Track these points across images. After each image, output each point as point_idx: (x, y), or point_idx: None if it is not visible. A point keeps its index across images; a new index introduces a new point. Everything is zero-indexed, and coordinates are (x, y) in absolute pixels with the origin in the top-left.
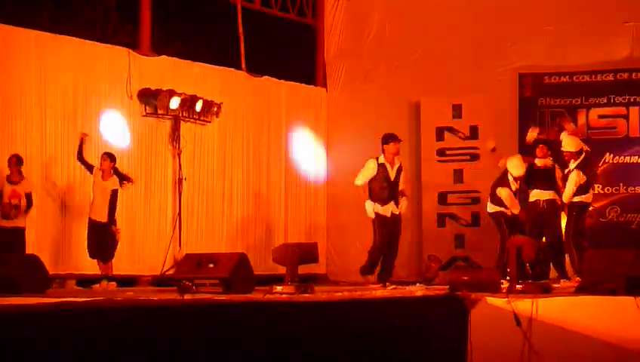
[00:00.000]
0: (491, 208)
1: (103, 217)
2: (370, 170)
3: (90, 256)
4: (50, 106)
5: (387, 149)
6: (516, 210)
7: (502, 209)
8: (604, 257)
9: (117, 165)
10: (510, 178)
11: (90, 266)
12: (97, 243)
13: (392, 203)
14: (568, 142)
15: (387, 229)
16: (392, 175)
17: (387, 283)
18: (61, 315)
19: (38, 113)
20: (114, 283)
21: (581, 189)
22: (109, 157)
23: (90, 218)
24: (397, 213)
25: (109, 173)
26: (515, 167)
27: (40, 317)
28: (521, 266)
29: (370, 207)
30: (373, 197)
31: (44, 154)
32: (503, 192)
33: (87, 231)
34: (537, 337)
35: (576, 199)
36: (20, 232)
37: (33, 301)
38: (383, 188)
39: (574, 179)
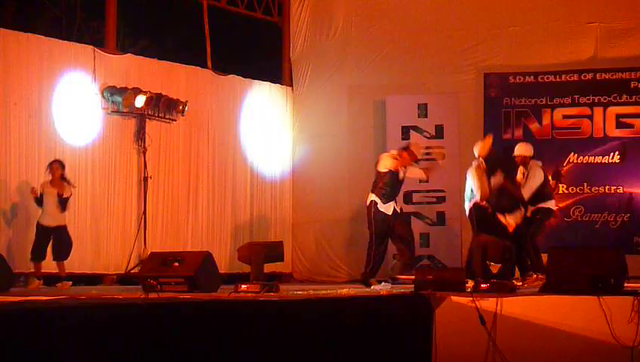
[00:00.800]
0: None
1: (56, 222)
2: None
3: (34, 260)
4: (15, 104)
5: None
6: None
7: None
8: (568, 256)
9: (67, 168)
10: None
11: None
12: (53, 246)
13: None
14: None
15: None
16: (401, 175)
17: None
18: (24, 314)
19: (2, 111)
20: (70, 282)
21: (543, 195)
22: (60, 165)
23: (40, 223)
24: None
25: (58, 180)
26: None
27: (3, 316)
28: (486, 266)
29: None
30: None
31: (8, 152)
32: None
33: (35, 235)
34: (502, 336)
35: (541, 205)
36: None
37: None
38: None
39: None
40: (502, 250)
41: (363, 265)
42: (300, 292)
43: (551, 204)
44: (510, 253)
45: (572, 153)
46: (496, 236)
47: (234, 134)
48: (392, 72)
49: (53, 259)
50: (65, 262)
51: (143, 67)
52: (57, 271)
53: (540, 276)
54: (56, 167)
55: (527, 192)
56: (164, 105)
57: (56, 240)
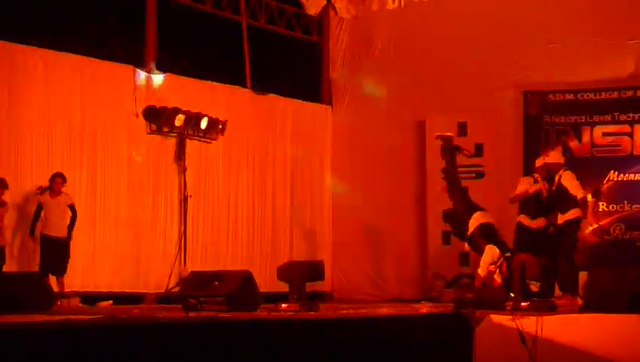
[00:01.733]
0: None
1: (60, 233)
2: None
3: (44, 272)
4: (56, 124)
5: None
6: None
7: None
8: (608, 275)
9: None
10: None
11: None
12: (54, 259)
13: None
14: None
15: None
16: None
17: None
18: (67, 332)
19: (44, 131)
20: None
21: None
22: (63, 178)
23: (46, 234)
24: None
25: (59, 192)
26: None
27: (46, 334)
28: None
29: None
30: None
31: (50, 171)
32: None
33: (41, 248)
34: (542, 355)
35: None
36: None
37: (39, 318)
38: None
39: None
40: (540, 267)
41: (404, 283)
42: (341, 311)
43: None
44: (549, 270)
45: (612, 171)
46: (535, 253)
47: (273, 153)
48: (432, 90)
49: (52, 274)
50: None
51: (183, 87)
52: (57, 288)
53: (569, 297)
54: (59, 180)
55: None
56: (204, 125)
57: (58, 252)
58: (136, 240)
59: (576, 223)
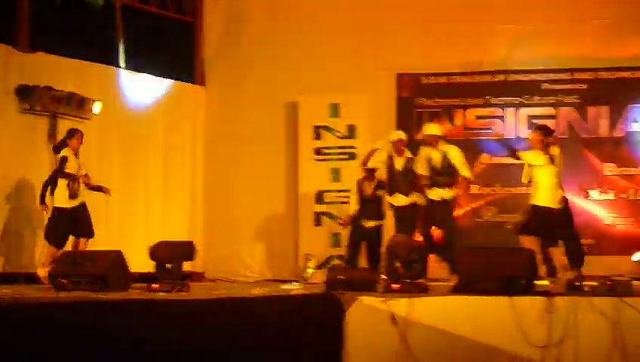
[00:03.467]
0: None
1: None
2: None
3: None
4: None
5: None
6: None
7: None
8: (479, 257)
9: None
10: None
11: None
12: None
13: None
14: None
15: None
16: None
17: None
18: None
19: None
20: None
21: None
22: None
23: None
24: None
25: None
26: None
27: None
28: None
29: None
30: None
31: None
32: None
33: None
34: (413, 336)
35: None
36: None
37: None
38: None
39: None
40: (408, 250)
41: (275, 264)
42: (212, 292)
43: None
44: (419, 253)
45: (484, 153)
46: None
47: (146, 132)
48: (305, 72)
49: None
50: None
51: (56, 65)
52: None
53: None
54: None
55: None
56: (75, 104)
57: None
58: (4, 219)
59: (452, 202)
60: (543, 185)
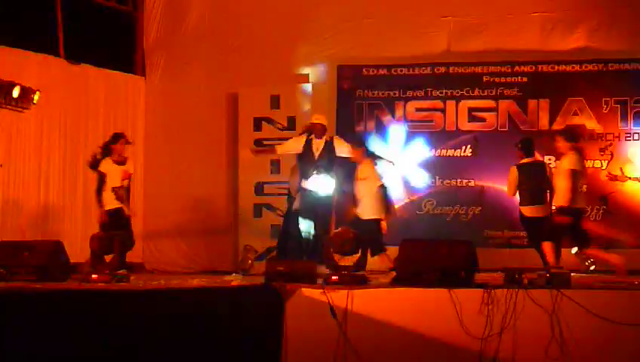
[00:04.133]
0: None
1: None
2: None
3: None
4: None
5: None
6: None
7: None
8: (419, 249)
9: None
10: None
11: None
12: None
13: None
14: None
15: None
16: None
17: None
18: None
19: None
20: None
21: None
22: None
23: None
24: None
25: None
26: None
27: None
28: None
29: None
30: None
31: None
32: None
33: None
34: (352, 328)
35: None
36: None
37: None
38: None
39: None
40: (343, 241)
41: (215, 256)
42: (151, 282)
43: None
44: (356, 244)
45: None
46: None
47: (86, 123)
48: (246, 64)
49: None
50: None
51: None
52: None
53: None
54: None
55: None
56: (14, 93)
57: None
58: None
59: None
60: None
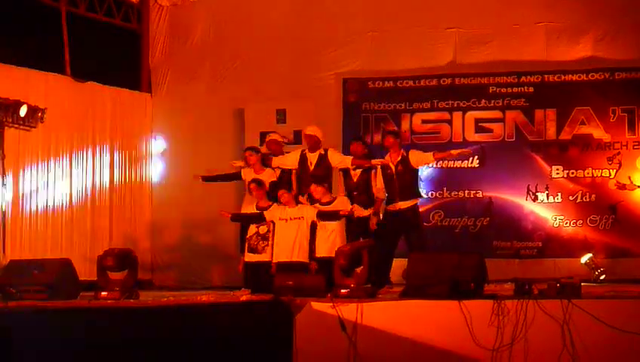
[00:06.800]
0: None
1: None
2: None
3: None
4: None
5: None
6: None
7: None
8: (428, 261)
9: None
10: None
11: None
12: None
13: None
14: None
15: None
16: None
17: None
18: None
19: None
20: None
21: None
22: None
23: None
24: None
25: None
26: None
27: None
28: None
29: None
30: None
31: None
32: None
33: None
34: (362, 341)
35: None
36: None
37: None
38: None
39: None
40: (349, 256)
41: (224, 271)
42: (161, 299)
43: None
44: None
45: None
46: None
47: (93, 140)
48: (251, 79)
49: None
50: None
51: (1, 74)
52: None
53: None
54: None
55: None
56: (23, 113)
57: None
58: None
59: None
60: None
